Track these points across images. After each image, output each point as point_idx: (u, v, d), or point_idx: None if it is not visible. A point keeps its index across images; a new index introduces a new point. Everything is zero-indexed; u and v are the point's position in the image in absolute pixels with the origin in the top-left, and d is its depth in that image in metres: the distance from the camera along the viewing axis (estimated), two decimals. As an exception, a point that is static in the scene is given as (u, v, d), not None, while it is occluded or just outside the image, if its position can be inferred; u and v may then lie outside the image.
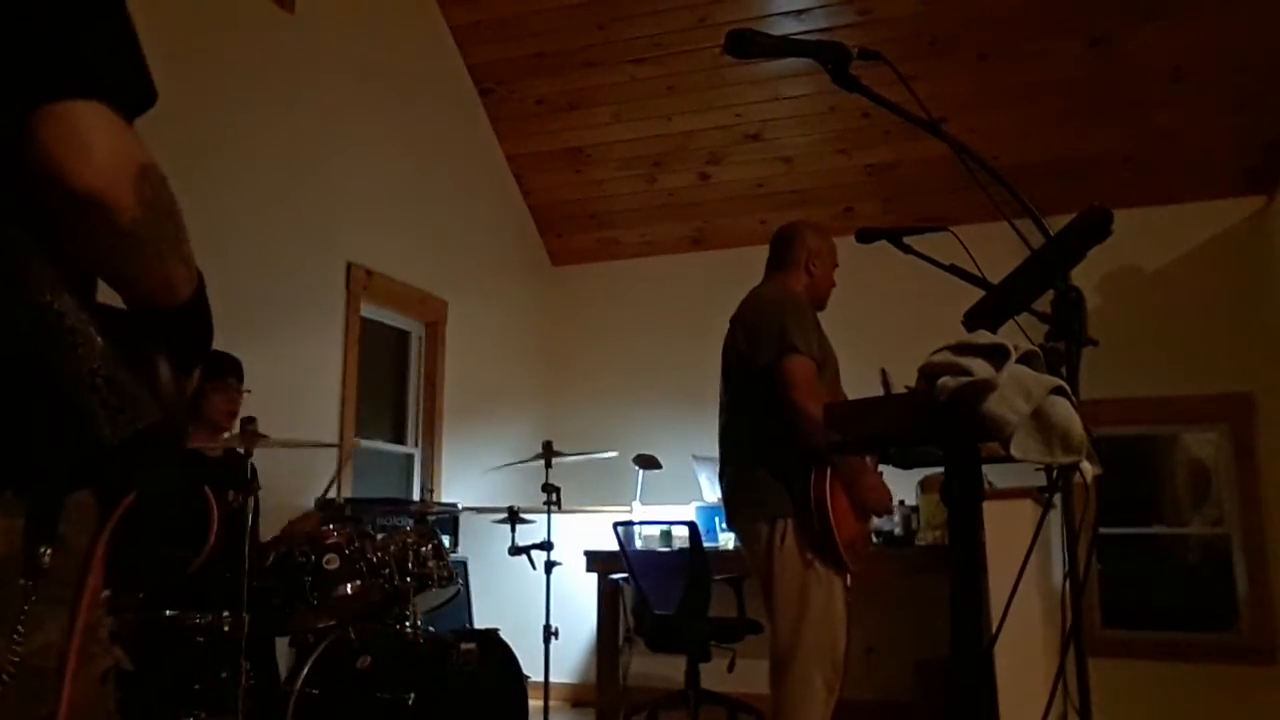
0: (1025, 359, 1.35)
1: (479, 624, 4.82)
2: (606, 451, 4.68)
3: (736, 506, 2.92)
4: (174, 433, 0.93)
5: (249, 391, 3.33)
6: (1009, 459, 1.28)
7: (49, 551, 0.84)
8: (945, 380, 1.31)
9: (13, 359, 0.81)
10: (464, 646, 3.20)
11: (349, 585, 3.13)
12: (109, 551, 0.87)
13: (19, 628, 0.81)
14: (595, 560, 4.75)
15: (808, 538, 2.71)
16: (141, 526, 0.91)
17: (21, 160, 0.81)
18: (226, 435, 3.20)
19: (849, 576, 2.82)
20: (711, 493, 4.89)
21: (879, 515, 3.14)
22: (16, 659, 0.81)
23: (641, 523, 4.61)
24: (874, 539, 4.40)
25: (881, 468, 2.97)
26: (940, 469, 1.44)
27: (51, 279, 0.83)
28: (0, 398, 0.82)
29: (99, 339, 0.84)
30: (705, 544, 4.25)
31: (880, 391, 1.92)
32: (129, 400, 0.86)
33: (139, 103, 0.89)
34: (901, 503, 4.42)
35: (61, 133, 0.81)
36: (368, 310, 4.95)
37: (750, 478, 2.85)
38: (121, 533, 0.87)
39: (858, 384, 2.68)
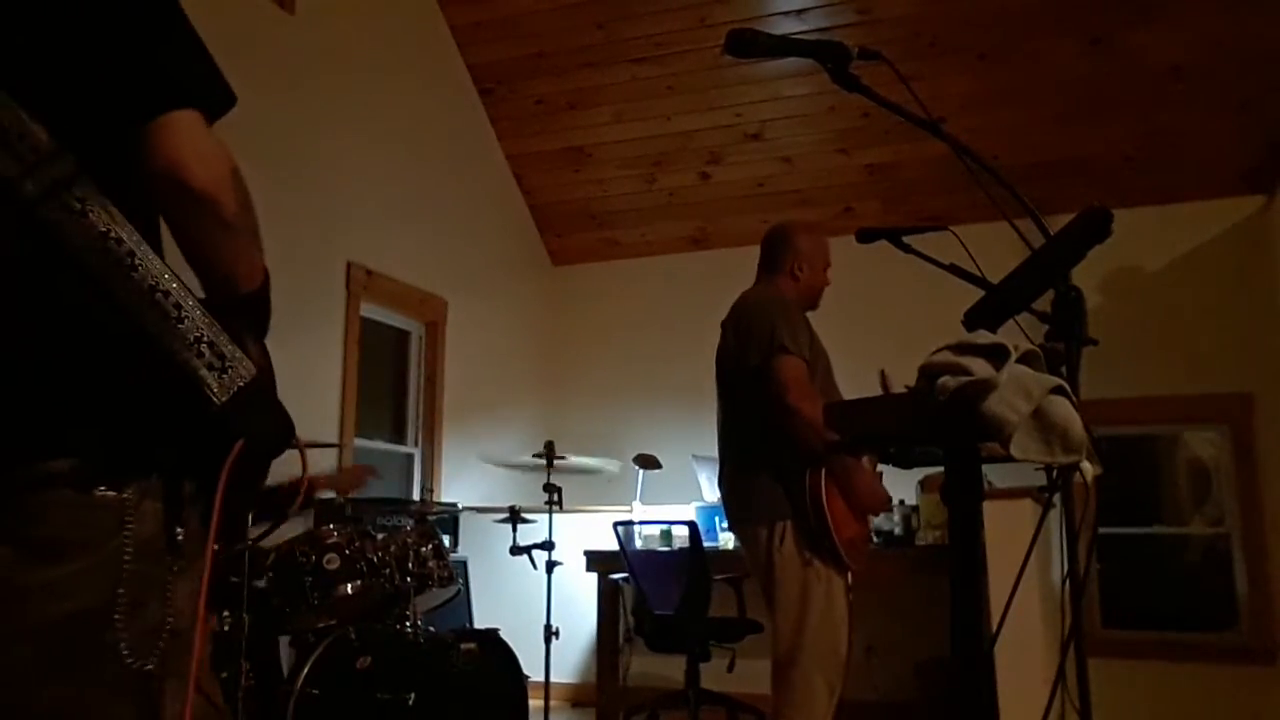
0: (1025, 359, 1.35)
1: (479, 624, 4.82)
2: (608, 457, 4.68)
3: (735, 510, 2.92)
4: (269, 386, 1.07)
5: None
6: (1009, 459, 1.28)
7: (182, 532, 1.00)
8: (945, 380, 1.31)
9: (129, 334, 0.95)
10: (464, 646, 3.20)
11: (349, 585, 3.13)
12: (223, 500, 1.00)
13: (167, 595, 0.99)
14: (595, 560, 4.75)
15: (806, 538, 2.71)
16: (247, 476, 1.03)
17: (140, 165, 0.96)
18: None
19: (850, 575, 2.82)
20: (711, 493, 4.88)
21: (875, 515, 3.13)
22: (170, 623, 0.99)
23: (642, 522, 4.61)
24: (874, 539, 4.40)
25: (881, 467, 2.96)
26: (940, 469, 1.44)
27: (156, 260, 0.97)
28: (127, 380, 0.96)
29: (199, 311, 0.99)
30: (705, 544, 4.25)
31: (879, 392, 1.92)
32: (230, 361, 1.00)
33: (223, 106, 1.04)
34: (901, 502, 4.42)
35: (179, 138, 0.96)
36: (368, 310, 4.94)
37: (748, 480, 2.84)
38: (233, 481, 0.99)
39: (857, 384, 2.68)
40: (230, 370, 1.00)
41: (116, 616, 0.95)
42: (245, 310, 1.08)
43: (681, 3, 5.18)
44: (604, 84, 5.64)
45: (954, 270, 1.89)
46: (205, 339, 0.98)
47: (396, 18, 5.27)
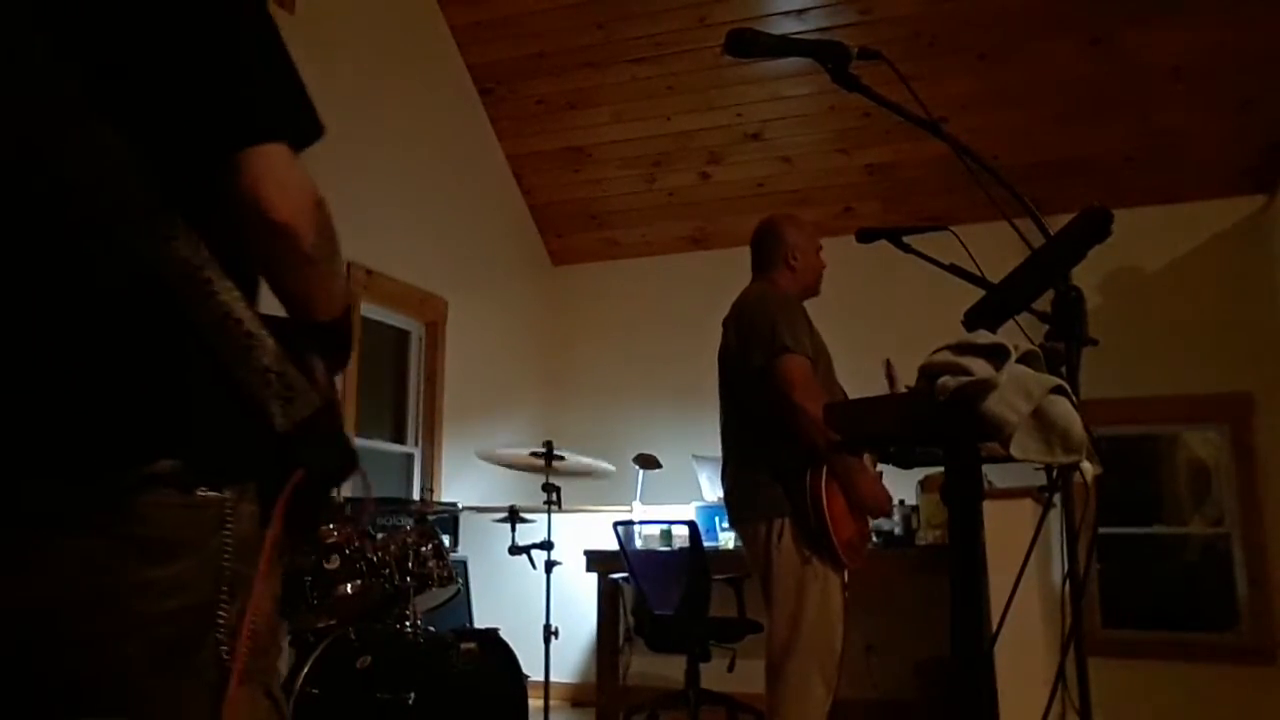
0: (1025, 359, 1.35)
1: (479, 624, 4.82)
2: (606, 460, 4.66)
3: (736, 506, 2.93)
4: (333, 418, 1.10)
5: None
6: (1009, 459, 1.28)
7: (267, 533, 1.04)
8: (945, 380, 1.31)
9: (203, 358, 0.99)
10: (464, 646, 3.19)
11: (349, 585, 3.13)
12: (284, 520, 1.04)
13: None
14: (595, 560, 4.75)
15: (805, 536, 2.72)
16: (308, 500, 1.06)
17: (226, 195, 0.99)
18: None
19: (846, 574, 2.82)
20: (711, 492, 4.88)
21: (876, 516, 3.13)
22: (253, 625, 1.03)
23: (641, 522, 4.61)
24: (874, 539, 4.39)
25: (881, 467, 2.97)
26: (940, 469, 1.44)
27: (232, 289, 1.01)
28: (205, 398, 1.00)
29: (270, 341, 1.02)
30: (705, 544, 4.25)
31: (885, 382, 1.92)
32: (297, 392, 1.03)
33: (310, 137, 1.08)
34: (901, 502, 4.42)
35: (263, 172, 1.00)
36: (368, 310, 4.94)
37: (749, 478, 2.85)
38: (293, 504, 1.03)
39: (858, 383, 2.68)
40: (296, 401, 1.03)
41: (220, 614, 0.99)
42: (321, 339, 1.12)
43: (681, 3, 5.18)
44: (604, 84, 5.64)
45: (954, 270, 1.89)
46: (274, 369, 1.02)
47: (396, 18, 5.27)
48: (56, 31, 0.98)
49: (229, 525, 1.00)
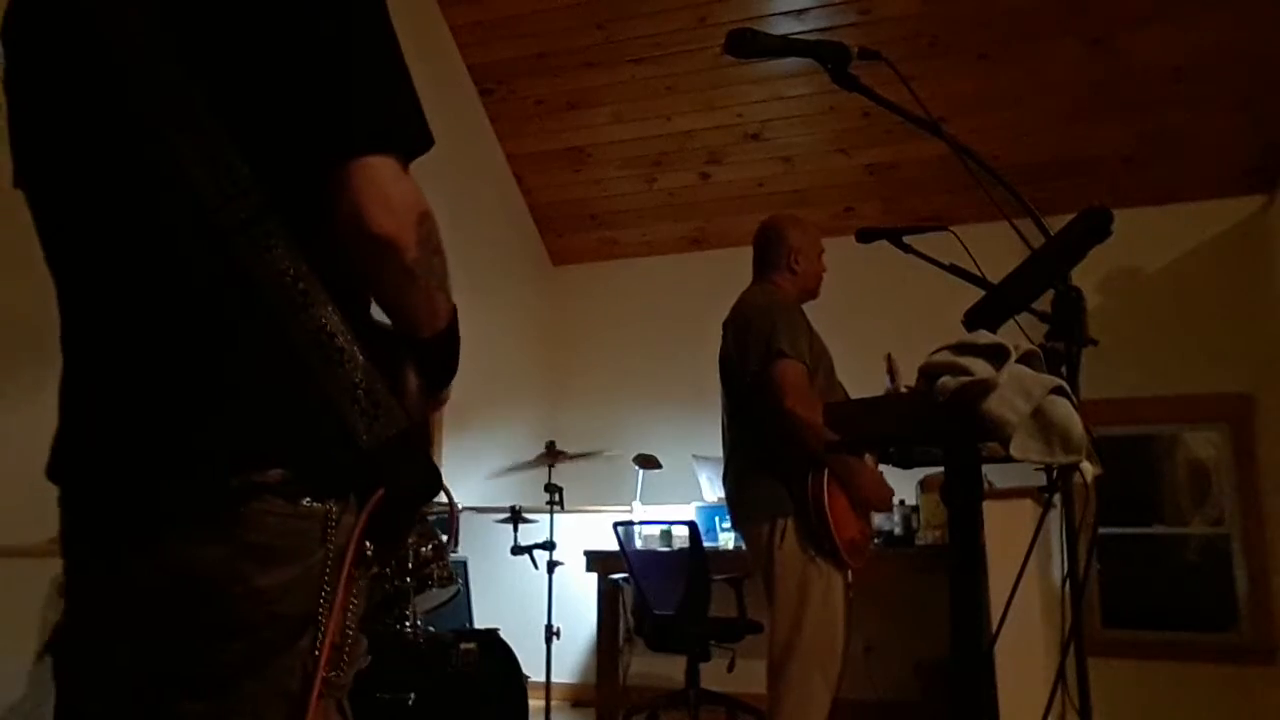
0: (1025, 359, 1.35)
1: (479, 624, 4.82)
2: (608, 450, 4.67)
3: (738, 507, 2.93)
4: (419, 439, 1.08)
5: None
6: (1009, 459, 1.28)
7: (372, 546, 1.04)
8: (945, 380, 1.31)
9: (301, 371, 0.99)
10: (464, 646, 3.20)
11: (349, 585, 3.12)
12: (362, 540, 1.04)
13: (353, 600, 1.05)
14: (595, 560, 4.75)
15: (808, 537, 2.71)
16: (391, 520, 1.06)
17: (327, 204, 0.99)
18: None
19: (849, 574, 2.82)
20: (711, 493, 4.89)
21: (879, 510, 3.13)
22: (351, 629, 1.07)
23: (642, 523, 4.61)
24: (875, 539, 4.39)
25: (881, 467, 2.97)
26: (940, 469, 1.44)
27: (327, 302, 1.00)
28: (304, 411, 1.00)
29: (361, 356, 1.02)
30: (705, 544, 4.25)
31: (886, 377, 1.93)
32: (383, 410, 1.02)
33: (418, 149, 1.08)
34: (901, 503, 4.42)
35: (366, 184, 0.99)
36: (368, 310, 4.94)
37: (750, 479, 2.84)
38: (375, 523, 1.03)
39: (858, 383, 2.68)
40: (381, 419, 1.02)
41: (320, 621, 1.01)
42: (422, 354, 1.11)
43: (681, 3, 5.18)
44: (604, 84, 5.64)
45: (954, 270, 1.89)
46: (363, 385, 1.01)
47: (396, 18, 5.25)
48: (180, 40, 0.99)
49: (331, 539, 1.01)
